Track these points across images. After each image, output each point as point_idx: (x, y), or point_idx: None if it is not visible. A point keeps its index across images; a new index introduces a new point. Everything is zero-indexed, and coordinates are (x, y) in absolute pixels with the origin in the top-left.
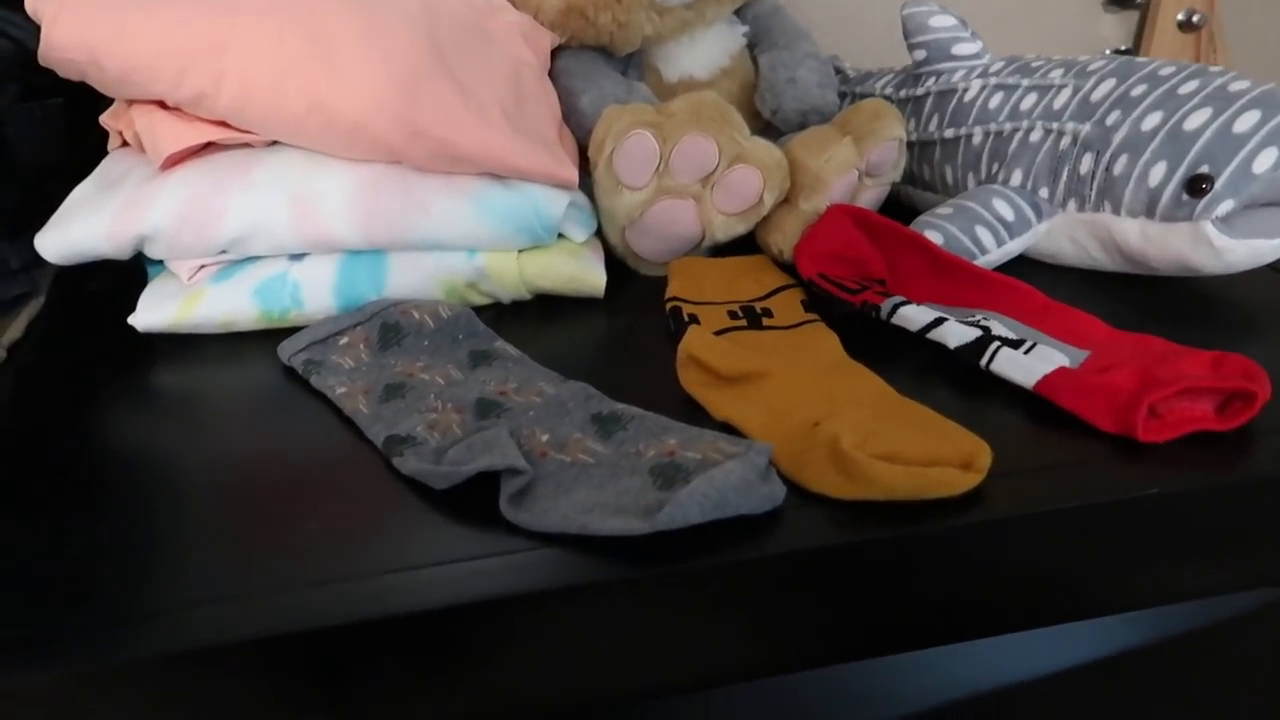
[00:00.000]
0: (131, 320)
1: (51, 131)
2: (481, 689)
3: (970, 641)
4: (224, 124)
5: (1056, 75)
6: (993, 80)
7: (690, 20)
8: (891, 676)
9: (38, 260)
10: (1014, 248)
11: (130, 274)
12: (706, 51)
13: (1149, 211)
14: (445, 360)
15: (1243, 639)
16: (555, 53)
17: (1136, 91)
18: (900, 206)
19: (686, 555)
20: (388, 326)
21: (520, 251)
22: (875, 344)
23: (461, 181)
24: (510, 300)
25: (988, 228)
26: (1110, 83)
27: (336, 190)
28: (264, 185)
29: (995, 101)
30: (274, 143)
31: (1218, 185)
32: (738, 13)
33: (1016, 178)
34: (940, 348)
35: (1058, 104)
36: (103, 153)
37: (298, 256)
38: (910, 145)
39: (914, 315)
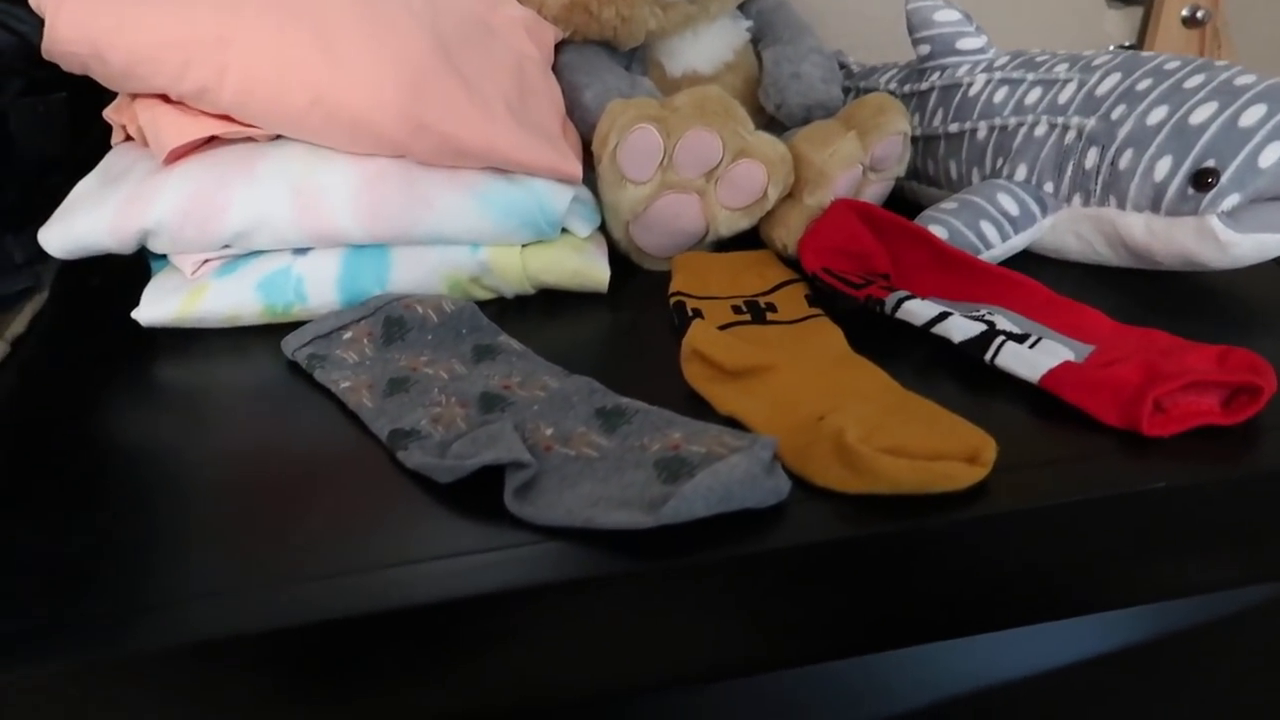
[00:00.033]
0: (135, 315)
1: (54, 126)
2: (486, 682)
3: (974, 636)
4: (227, 118)
5: (1061, 70)
6: (997, 75)
7: (694, 15)
8: (895, 672)
9: (41, 255)
10: (1018, 242)
11: (133, 269)
12: (710, 46)
13: (1154, 206)
14: (449, 354)
15: (1248, 633)
16: (559, 47)
17: (1142, 86)
18: (904, 202)
19: (691, 549)
20: (391, 321)
21: (524, 246)
22: (879, 339)
23: (465, 176)
24: (514, 295)
25: (992, 222)
26: (1115, 77)
27: (340, 184)
28: (267, 179)
29: (1000, 96)
30: (277, 137)
31: (1223, 179)
32: (741, 7)
33: (1021, 172)
34: (945, 342)
35: (1063, 98)
36: (106, 147)
37: (301, 251)
38: (914, 140)
39: (918, 310)
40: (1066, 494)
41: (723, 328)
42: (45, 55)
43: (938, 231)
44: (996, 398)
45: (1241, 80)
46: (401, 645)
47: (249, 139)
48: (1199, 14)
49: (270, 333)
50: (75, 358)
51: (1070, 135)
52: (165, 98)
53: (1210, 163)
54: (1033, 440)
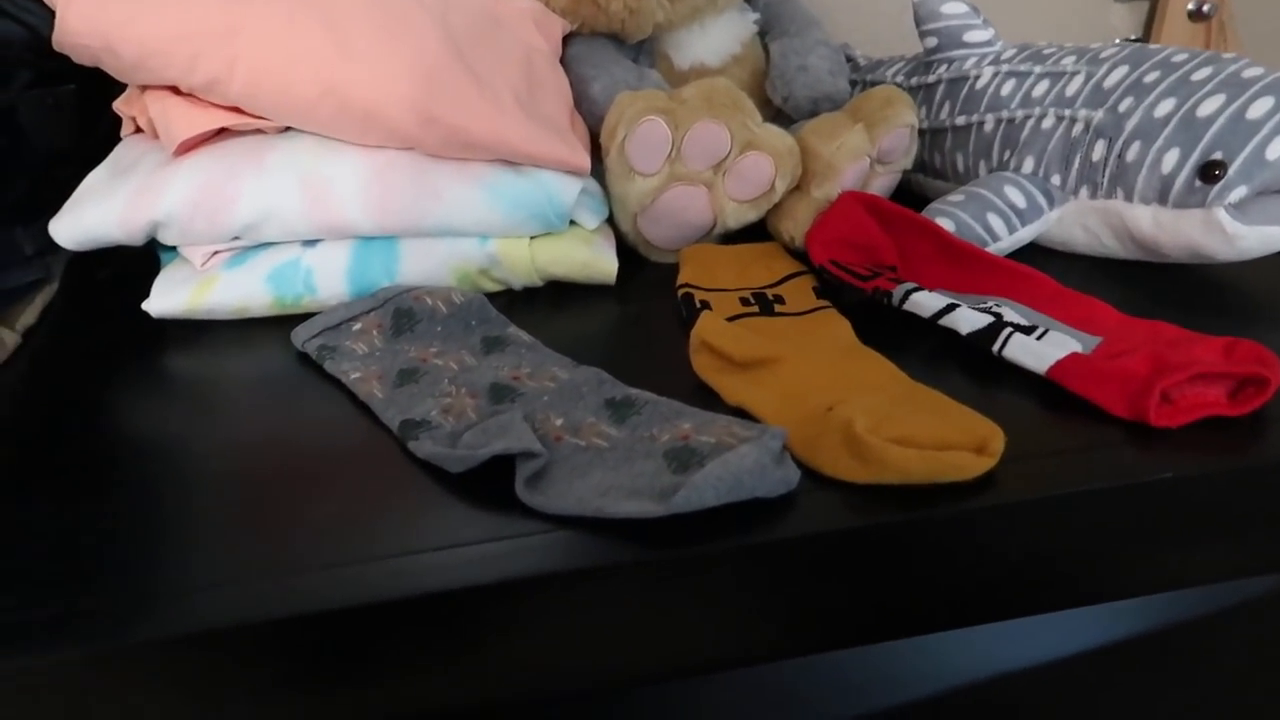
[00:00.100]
0: (146, 306)
1: (63, 118)
2: (497, 670)
3: (982, 626)
4: (237, 110)
5: (1069, 62)
6: (1004, 67)
7: (701, 7)
8: (900, 662)
9: (51, 246)
10: (1025, 235)
11: (142, 261)
12: (718, 39)
13: (1161, 198)
14: (458, 346)
15: (1256, 624)
16: (566, 40)
17: (1149, 78)
18: (911, 194)
19: (701, 538)
20: (401, 312)
21: (532, 238)
22: (887, 330)
23: (474, 168)
24: (522, 287)
25: (999, 215)
26: (1123, 69)
27: (349, 176)
28: (276, 171)
29: (1007, 89)
30: (286, 129)
31: (1230, 172)
32: (748, 0)
33: (1028, 165)
34: (952, 334)
35: (1070, 91)
36: (114, 139)
37: (311, 243)
38: (921, 133)
39: (926, 301)
40: (1074, 484)
41: (731, 319)
42: (56, 47)
43: (945, 224)
44: (1004, 389)
45: (1249, 73)
46: (413, 633)
47: (258, 131)
48: (1205, 7)
49: (279, 324)
50: (86, 348)
51: (1077, 128)
52: (175, 90)
53: (1218, 155)
54: (1040, 431)
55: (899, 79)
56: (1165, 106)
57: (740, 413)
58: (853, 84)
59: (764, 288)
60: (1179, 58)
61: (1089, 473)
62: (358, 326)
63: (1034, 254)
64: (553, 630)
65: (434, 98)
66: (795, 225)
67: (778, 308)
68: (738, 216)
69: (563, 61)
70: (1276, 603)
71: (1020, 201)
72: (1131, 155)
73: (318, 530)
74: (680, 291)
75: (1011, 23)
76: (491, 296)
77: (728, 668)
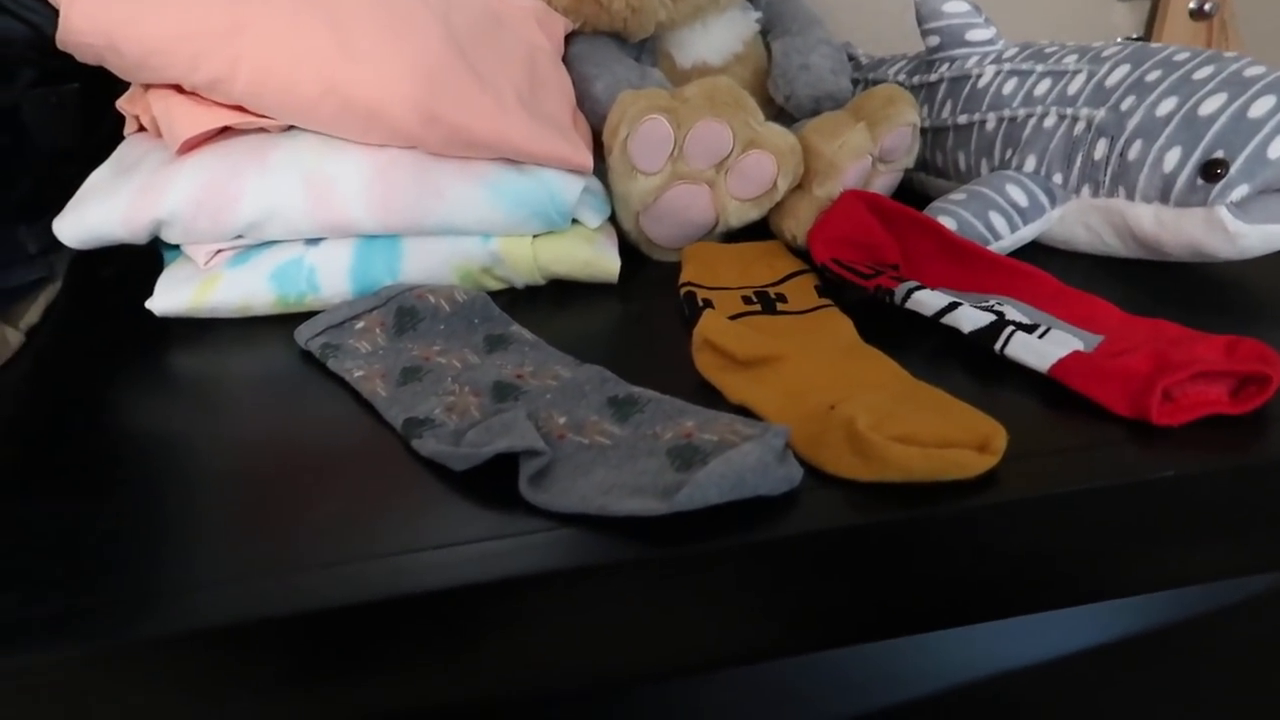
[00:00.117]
0: (149, 304)
1: (66, 117)
2: (500, 667)
3: (983, 624)
4: (240, 108)
5: (1071, 61)
6: (1006, 66)
7: (704, 6)
8: (900, 660)
9: (54, 245)
10: (1027, 233)
11: (144, 259)
12: (720, 37)
13: (1163, 197)
14: (461, 344)
15: (1257, 622)
16: (569, 38)
17: (1151, 77)
18: (913, 193)
19: (704, 536)
20: (404, 311)
21: (535, 237)
22: (889, 329)
23: (477, 166)
24: (524, 285)
25: (1001, 213)
26: (1125, 68)
27: (352, 174)
28: (279, 170)
29: (1009, 87)
30: (289, 127)
31: (1232, 170)
32: None
33: (1030, 163)
34: (954, 333)
35: (1072, 89)
36: (117, 138)
37: (313, 241)
38: (923, 131)
39: (928, 300)
40: (1076, 482)
41: (733, 318)
42: (60, 46)
43: (947, 222)
44: (1006, 387)
45: (1251, 71)
46: (416, 631)
47: (261, 129)
48: (1207, 6)
49: (282, 323)
50: (89, 347)
51: (1079, 126)
52: (179, 88)
53: (1219, 154)
54: (1042, 429)
55: (901, 77)
56: (1167, 105)
57: (743, 411)
58: (854, 83)
59: (766, 286)
60: (1181, 56)
61: (1091, 471)
62: (361, 325)
63: (1036, 252)
64: (556, 628)
65: (436, 96)
66: (797, 224)
67: (780, 306)
68: (740, 215)
69: (565, 60)
70: (1277, 601)
71: (1022, 200)
72: (1133, 154)
73: (321, 528)
74: (682, 290)
75: (1012, 21)
76: (494, 295)
77: (730, 666)
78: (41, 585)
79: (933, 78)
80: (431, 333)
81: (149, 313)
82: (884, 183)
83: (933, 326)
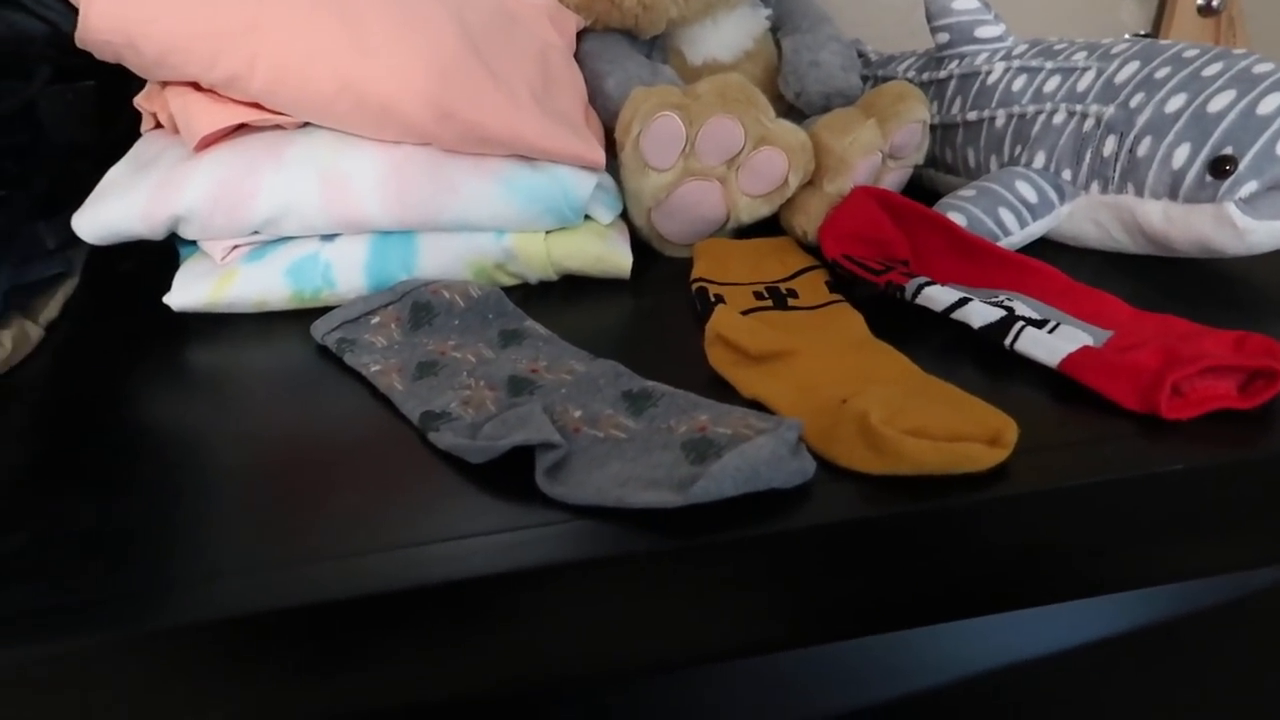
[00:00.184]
0: (167, 300)
1: (82, 113)
2: (516, 656)
3: (994, 616)
4: (257, 105)
5: (1080, 58)
6: (1016, 63)
7: (714, 3)
8: (914, 651)
9: (72, 240)
10: (1036, 230)
11: (161, 254)
12: (730, 34)
13: (1172, 193)
14: (476, 339)
15: (1265, 614)
16: (580, 35)
17: (1160, 74)
18: (922, 189)
19: (719, 528)
20: (419, 306)
21: (548, 233)
22: (899, 324)
23: (490, 163)
24: (537, 281)
25: (1010, 209)
26: (1134, 65)
27: (367, 171)
28: (295, 166)
29: (1019, 84)
30: (305, 124)
31: (1241, 167)
32: None
33: (1039, 160)
34: (964, 328)
35: (1081, 86)
36: (132, 134)
37: (329, 237)
38: (933, 128)
39: (938, 295)
40: (1086, 475)
41: (745, 313)
42: (79, 44)
43: (956, 218)
44: (1016, 382)
45: (1260, 68)
46: (435, 621)
47: (277, 126)
48: (1215, 2)
49: (298, 318)
50: (107, 342)
51: (1089, 123)
52: (196, 86)
53: (1228, 150)
54: (1052, 423)
55: (910, 74)
56: (1176, 102)
57: (756, 405)
58: (864, 79)
59: (777, 282)
60: (1190, 53)
61: (1101, 464)
62: (376, 320)
63: (1045, 249)
64: (572, 618)
65: (450, 93)
66: (808, 220)
67: (791, 302)
68: (751, 211)
69: (576, 57)
70: None
71: (1031, 196)
72: (1142, 150)
73: (339, 520)
74: (694, 286)
75: (1021, 17)
76: (507, 290)
77: (744, 656)
78: (64, 576)
79: (942, 74)
80: (446, 328)
81: (166, 308)
82: (894, 179)
83: (943, 322)
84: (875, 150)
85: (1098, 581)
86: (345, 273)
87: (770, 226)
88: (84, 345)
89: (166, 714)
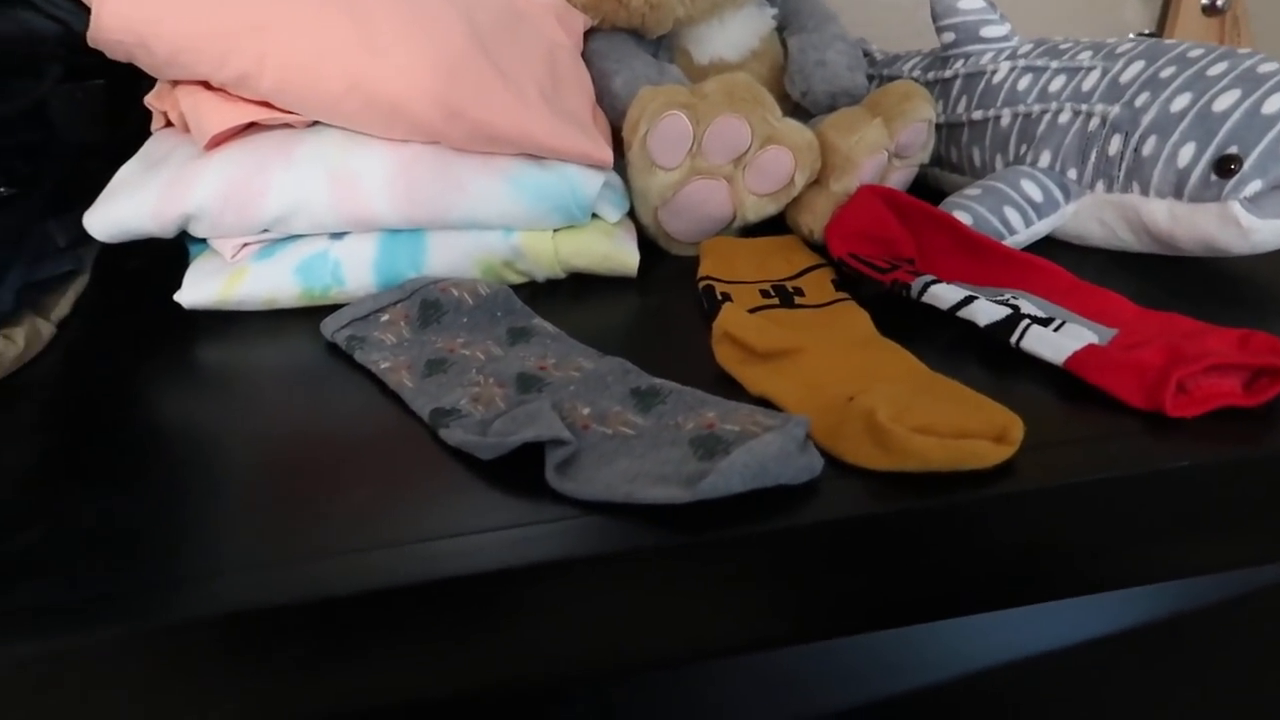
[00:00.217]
0: (177, 297)
1: (92, 112)
2: (526, 651)
3: (999, 612)
4: (266, 104)
5: (1085, 57)
6: (1021, 62)
7: (721, 2)
8: (918, 647)
9: (82, 238)
10: (1042, 228)
11: (168, 253)
12: (737, 34)
13: (1177, 192)
14: (485, 336)
15: (1267, 612)
16: (587, 35)
17: (1165, 73)
18: (927, 188)
19: (727, 524)
20: (427, 304)
21: (555, 231)
22: (905, 322)
23: (498, 161)
24: (545, 279)
25: (1016, 208)
26: (1139, 64)
27: (376, 169)
28: (305, 164)
29: (1024, 83)
30: (315, 123)
31: (1246, 166)
32: None
33: (1045, 159)
34: (970, 326)
35: (1086, 85)
36: (141, 133)
37: (338, 235)
38: (938, 127)
39: (944, 294)
40: (1092, 472)
41: (751, 311)
42: (91, 43)
43: (962, 217)
44: (1021, 380)
45: (1265, 68)
46: (444, 616)
47: (286, 125)
48: (1219, 2)
49: (307, 315)
50: (118, 339)
51: (1094, 122)
52: (206, 84)
53: (1233, 149)
54: (1058, 420)
55: (916, 74)
56: (1181, 101)
57: (763, 402)
58: (869, 79)
59: (784, 280)
60: (1195, 53)
61: (1106, 461)
62: (385, 317)
63: (1050, 247)
64: (581, 612)
65: (459, 92)
66: (814, 218)
67: (798, 300)
68: (757, 210)
69: (584, 56)
70: None
71: (1037, 195)
72: (1148, 150)
73: (349, 515)
74: (701, 284)
75: (1024, 14)
76: (515, 288)
77: (751, 651)
78: (74, 571)
79: (948, 74)
80: (455, 325)
81: (176, 305)
82: (900, 178)
83: (948, 320)
84: (881, 149)
85: (1102, 578)
86: (354, 270)
87: (776, 225)
88: (95, 342)
89: (174, 709)
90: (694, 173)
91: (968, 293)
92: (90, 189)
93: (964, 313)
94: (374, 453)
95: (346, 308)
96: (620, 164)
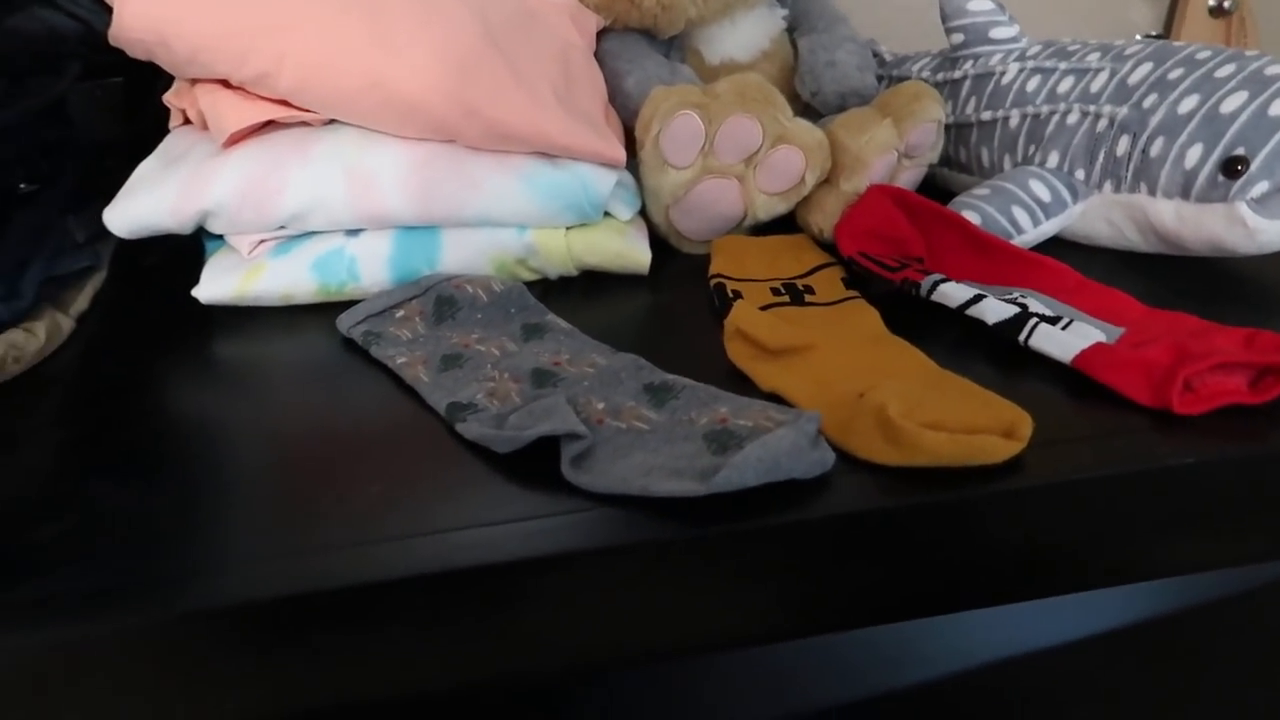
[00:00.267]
0: (195, 292)
1: (110, 109)
2: (541, 640)
3: (1006, 606)
4: (284, 103)
5: (1094, 59)
6: (1030, 64)
7: (733, 3)
8: (916, 643)
9: (100, 234)
10: (1050, 228)
11: (183, 249)
12: (747, 34)
13: (1184, 193)
14: (499, 333)
15: (1272, 608)
16: (600, 35)
17: (1173, 75)
18: (937, 188)
19: (740, 516)
20: (442, 300)
21: (568, 229)
22: (914, 320)
23: (513, 160)
24: (557, 276)
25: (1024, 208)
26: (1147, 66)
27: (391, 167)
28: (321, 162)
29: (1033, 84)
30: (331, 121)
31: (1253, 167)
32: None
33: (1053, 159)
34: (978, 324)
35: (1095, 87)
36: (158, 130)
37: (354, 232)
38: (947, 128)
39: (953, 292)
40: (1099, 468)
41: (762, 309)
42: (112, 42)
43: (971, 217)
44: (1029, 377)
45: (1272, 70)
46: (462, 605)
47: (304, 123)
48: (1226, 3)
49: (322, 311)
50: (136, 334)
51: (1102, 123)
52: (225, 83)
53: (1240, 151)
54: (1066, 417)
55: (925, 74)
56: (1189, 103)
57: (775, 398)
58: (879, 79)
59: (794, 278)
60: (1202, 55)
61: (1114, 457)
62: (401, 313)
63: (1058, 247)
64: (595, 603)
65: (474, 91)
66: (824, 217)
67: (808, 298)
68: (768, 209)
69: (596, 56)
70: None
71: (1045, 195)
72: (1155, 150)
73: (367, 506)
74: (712, 282)
75: (1033, 17)
76: (527, 285)
77: (762, 642)
78: (93, 562)
79: (957, 75)
80: (469, 321)
81: (192, 300)
82: (909, 178)
83: (957, 318)
84: (891, 149)
85: (1108, 573)
86: (370, 267)
87: (787, 224)
88: (113, 336)
89: (190, 698)
90: (705, 172)
91: (976, 291)
92: (108, 186)
93: (973, 311)
94: (390, 445)
95: (362, 303)
96: (632, 163)
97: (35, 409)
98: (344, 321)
